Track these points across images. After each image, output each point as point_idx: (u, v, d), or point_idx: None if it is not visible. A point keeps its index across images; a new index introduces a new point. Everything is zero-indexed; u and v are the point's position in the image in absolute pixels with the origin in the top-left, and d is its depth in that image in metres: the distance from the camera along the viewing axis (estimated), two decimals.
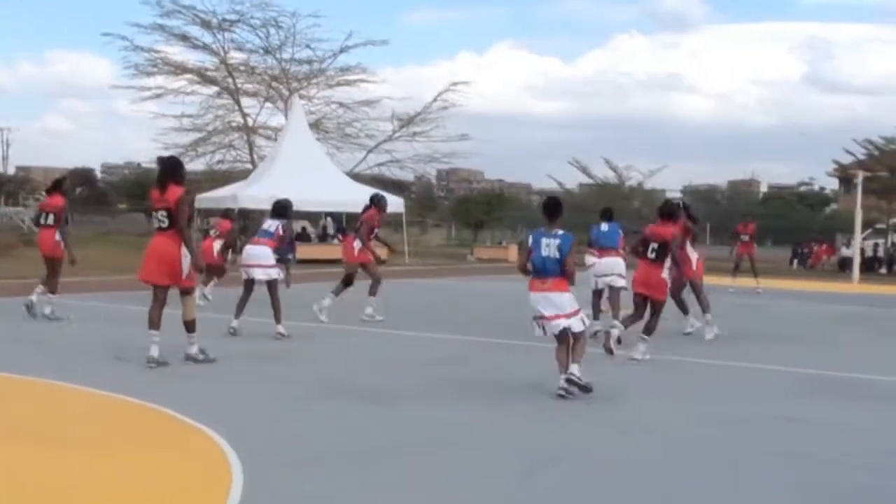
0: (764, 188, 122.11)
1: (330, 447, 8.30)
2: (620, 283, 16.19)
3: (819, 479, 7.81)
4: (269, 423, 9.14)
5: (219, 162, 53.30)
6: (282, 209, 15.68)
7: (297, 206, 17.06)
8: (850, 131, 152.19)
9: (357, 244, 17.55)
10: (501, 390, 11.23)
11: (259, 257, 15.16)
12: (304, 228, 48.07)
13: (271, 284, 15.08)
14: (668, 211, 14.29)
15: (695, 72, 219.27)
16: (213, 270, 19.38)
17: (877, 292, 28.46)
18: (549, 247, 10.86)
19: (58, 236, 16.23)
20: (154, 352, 11.79)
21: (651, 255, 13.81)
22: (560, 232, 10.96)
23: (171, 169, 12.20)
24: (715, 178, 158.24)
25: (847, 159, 55.95)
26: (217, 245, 20.21)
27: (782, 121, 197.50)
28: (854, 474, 8.02)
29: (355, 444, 8.40)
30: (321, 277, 23.82)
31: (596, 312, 16.22)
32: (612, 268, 16.33)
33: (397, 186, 56.33)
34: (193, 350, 12.22)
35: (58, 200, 16.60)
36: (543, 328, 10.92)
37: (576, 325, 10.84)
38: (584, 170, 61.93)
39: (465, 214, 71.57)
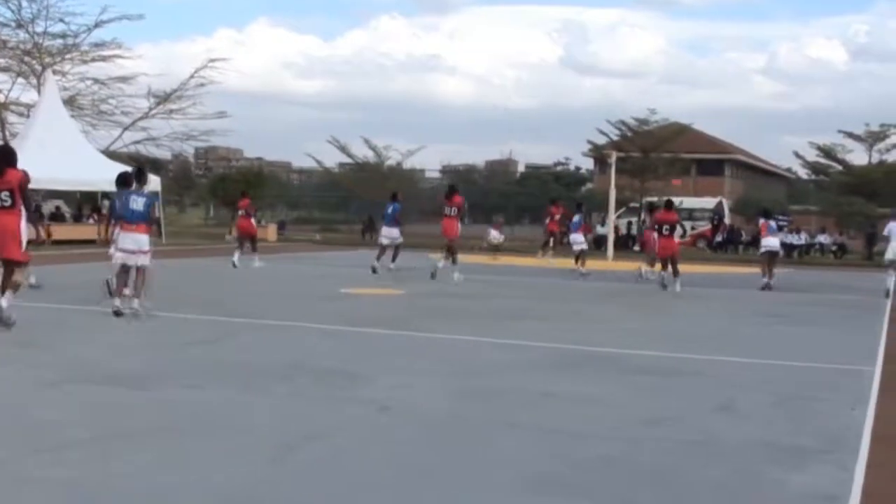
0: (521, 168, 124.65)
1: (83, 432, 8.08)
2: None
3: (572, 452, 7.97)
4: (20, 410, 8.85)
5: None
6: (121, 180, 16.40)
7: (49, 185, 17.47)
8: (604, 113, 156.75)
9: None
10: (256, 370, 11.22)
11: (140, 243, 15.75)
12: (57, 207, 46.78)
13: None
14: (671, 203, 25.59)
15: (455, 54, 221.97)
16: None
17: (630, 269, 29.27)
18: (137, 202, 15.38)
19: None
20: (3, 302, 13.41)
21: (665, 232, 24.11)
22: (144, 192, 15.86)
23: (8, 156, 14.07)
24: (473, 158, 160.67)
25: (602, 140, 57.79)
26: None
27: (540, 103, 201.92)
28: (607, 446, 8.21)
29: (110, 428, 8.22)
30: (76, 259, 23.21)
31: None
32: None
33: (154, 165, 55.16)
34: (5, 303, 13.47)
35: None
36: (125, 260, 15.19)
37: (143, 260, 15.38)
38: (343, 149, 62.31)
39: (223, 193, 70.40)
